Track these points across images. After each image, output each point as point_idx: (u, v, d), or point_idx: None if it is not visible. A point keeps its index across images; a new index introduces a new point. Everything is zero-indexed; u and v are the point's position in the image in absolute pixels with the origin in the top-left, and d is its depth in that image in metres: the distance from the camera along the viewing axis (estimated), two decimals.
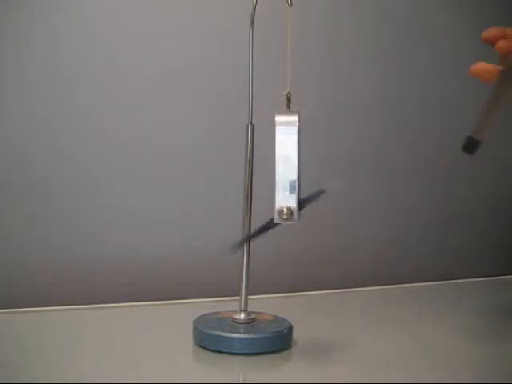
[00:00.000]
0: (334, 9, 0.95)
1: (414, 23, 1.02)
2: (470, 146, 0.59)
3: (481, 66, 0.60)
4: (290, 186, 0.56)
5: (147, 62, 0.83)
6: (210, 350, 0.58)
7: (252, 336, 0.59)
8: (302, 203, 0.57)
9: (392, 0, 1.00)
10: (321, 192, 0.58)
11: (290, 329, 0.61)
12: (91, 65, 0.79)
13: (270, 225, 0.58)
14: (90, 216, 0.81)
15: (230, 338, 0.58)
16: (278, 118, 0.57)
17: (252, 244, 0.62)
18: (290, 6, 0.58)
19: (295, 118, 0.57)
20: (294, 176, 0.56)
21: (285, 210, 0.56)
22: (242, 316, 0.62)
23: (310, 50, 0.92)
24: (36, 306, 0.72)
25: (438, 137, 1.05)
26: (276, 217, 0.56)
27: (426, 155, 1.04)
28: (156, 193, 0.84)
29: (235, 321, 0.61)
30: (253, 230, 0.61)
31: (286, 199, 0.56)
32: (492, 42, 0.59)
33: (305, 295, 0.86)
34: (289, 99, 0.58)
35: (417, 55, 1.03)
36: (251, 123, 0.62)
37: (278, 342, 0.59)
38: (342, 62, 0.96)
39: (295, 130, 0.57)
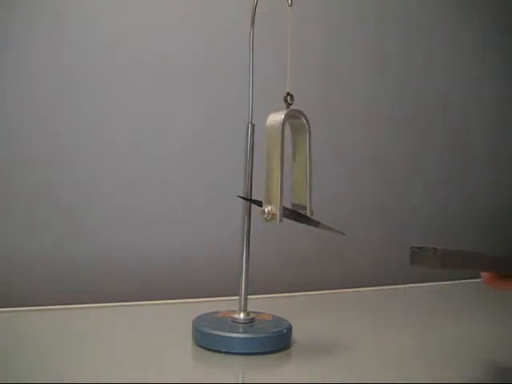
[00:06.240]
0: (334, 9, 0.95)
1: (414, 24, 1.02)
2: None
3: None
4: (278, 185, 0.56)
5: (147, 62, 0.83)
6: (210, 350, 0.58)
7: (251, 336, 0.58)
8: (302, 219, 0.58)
9: (392, 1, 1.00)
10: (317, 223, 0.59)
11: (290, 329, 0.61)
12: (91, 64, 0.80)
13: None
14: (91, 216, 0.81)
15: (229, 337, 0.58)
16: (268, 118, 0.57)
17: (252, 244, 0.62)
18: (290, 5, 0.58)
19: (281, 117, 0.57)
20: (278, 175, 0.56)
21: (265, 211, 0.56)
22: (242, 316, 0.62)
23: (310, 50, 0.92)
24: (36, 306, 0.72)
25: (439, 137, 1.05)
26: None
27: (426, 155, 1.04)
28: (156, 193, 0.84)
29: (235, 320, 0.61)
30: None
31: (272, 200, 0.56)
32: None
33: (304, 295, 0.86)
34: (285, 99, 0.58)
35: (417, 56, 1.03)
36: (251, 123, 0.62)
37: (277, 341, 0.59)
38: (342, 61, 0.96)
39: (279, 128, 0.56)
